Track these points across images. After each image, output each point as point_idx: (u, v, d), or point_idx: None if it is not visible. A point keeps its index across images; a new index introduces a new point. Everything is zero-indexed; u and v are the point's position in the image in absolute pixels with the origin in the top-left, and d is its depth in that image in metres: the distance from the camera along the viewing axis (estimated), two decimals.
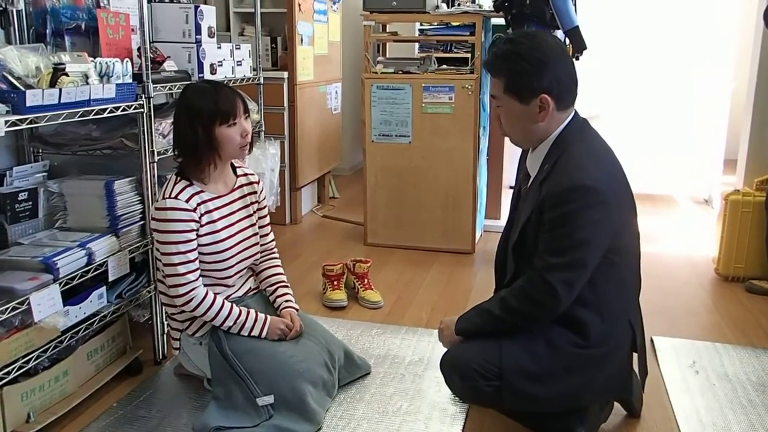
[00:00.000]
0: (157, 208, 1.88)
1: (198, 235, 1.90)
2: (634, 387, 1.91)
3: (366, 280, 2.89)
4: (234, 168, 2.08)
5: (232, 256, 1.99)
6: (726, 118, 4.52)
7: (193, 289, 1.89)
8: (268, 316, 1.99)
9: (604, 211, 1.62)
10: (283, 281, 2.17)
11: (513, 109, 1.70)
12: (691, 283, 3.13)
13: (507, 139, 3.87)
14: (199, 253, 1.92)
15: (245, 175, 2.11)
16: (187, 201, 1.88)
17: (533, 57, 1.64)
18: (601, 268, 1.65)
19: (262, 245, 2.15)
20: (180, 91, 2.27)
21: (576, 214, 1.60)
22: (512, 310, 1.70)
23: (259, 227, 2.14)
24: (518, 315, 1.70)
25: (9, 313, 1.65)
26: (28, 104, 1.65)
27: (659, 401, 2.08)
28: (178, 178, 1.93)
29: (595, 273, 1.65)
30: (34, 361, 1.78)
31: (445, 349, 1.88)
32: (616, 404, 1.95)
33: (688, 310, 2.83)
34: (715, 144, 4.57)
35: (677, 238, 3.82)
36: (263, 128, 3.05)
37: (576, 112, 1.75)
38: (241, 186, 2.08)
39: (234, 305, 1.95)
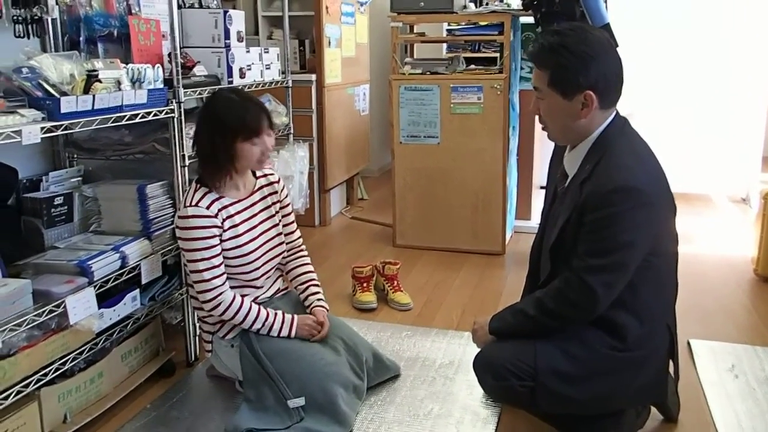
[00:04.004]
0: (179, 217, 1.91)
1: (221, 240, 1.92)
2: (670, 391, 1.87)
3: (395, 282, 2.88)
4: (253, 170, 2.09)
5: (257, 258, 2.00)
6: (764, 114, 4.39)
7: (220, 294, 1.90)
8: (295, 316, 2.00)
9: (648, 214, 1.58)
10: (314, 279, 2.18)
11: (555, 103, 1.66)
12: (729, 284, 3.06)
13: (537, 139, 3.87)
14: (225, 258, 1.93)
15: (265, 176, 2.12)
16: (207, 207, 1.90)
17: (581, 51, 1.59)
18: (640, 271, 1.62)
19: (288, 243, 2.16)
20: (208, 95, 2.31)
21: (619, 216, 1.56)
22: (548, 311, 1.67)
23: (284, 225, 2.15)
24: (554, 316, 1.67)
25: (46, 315, 1.68)
26: (62, 111, 1.68)
27: (697, 406, 2.03)
28: (198, 186, 1.95)
29: (634, 275, 1.61)
30: (70, 362, 1.81)
31: (478, 350, 1.86)
32: (653, 408, 1.91)
33: (726, 312, 2.76)
34: (753, 141, 4.44)
35: (714, 238, 3.72)
36: (292, 131, 3.07)
37: (617, 111, 1.71)
38: (261, 187, 2.09)
39: (262, 308, 1.96)
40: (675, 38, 4.41)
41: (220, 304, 1.90)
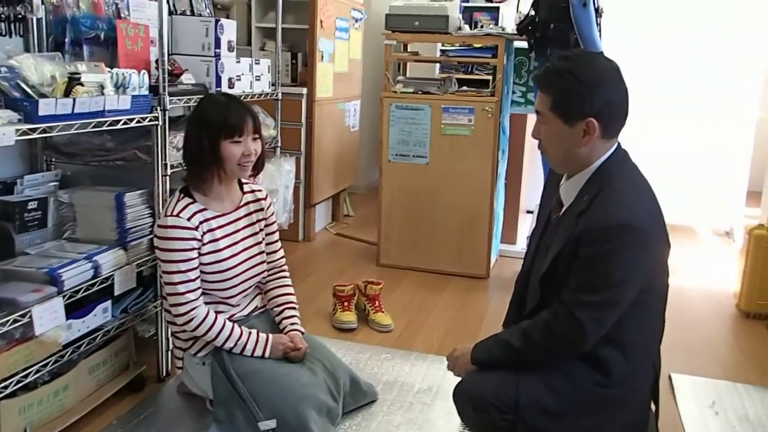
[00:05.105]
0: (159, 226, 1.86)
1: (200, 254, 1.87)
2: (650, 427, 1.83)
3: (377, 303, 2.83)
4: (241, 184, 2.05)
5: (236, 276, 1.95)
6: (750, 148, 4.42)
7: (193, 309, 1.85)
8: (270, 335, 1.95)
9: (644, 253, 1.55)
10: (291, 302, 2.12)
11: (556, 128, 1.62)
12: (712, 318, 3.04)
13: (526, 164, 3.86)
14: (202, 272, 1.88)
15: (252, 191, 2.08)
16: (188, 219, 1.85)
17: (587, 78, 1.56)
18: (630, 307, 1.58)
19: (270, 263, 2.11)
20: (195, 104, 2.27)
21: (615, 254, 1.53)
22: (534, 343, 1.63)
23: (267, 244, 2.10)
24: (540, 349, 1.63)
25: (10, 325, 1.61)
26: (40, 113, 1.63)
27: None
28: (182, 195, 1.90)
29: (624, 312, 1.58)
30: (34, 374, 1.74)
31: (457, 378, 1.81)
32: None
33: (708, 346, 2.74)
34: (738, 175, 4.47)
35: (697, 271, 3.73)
36: (279, 144, 3.03)
37: (619, 143, 1.68)
38: (247, 203, 2.04)
39: (236, 326, 1.91)
40: (663, 69, 4.43)
41: (192, 319, 1.84)
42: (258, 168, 1.98)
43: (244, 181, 2.06)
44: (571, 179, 1.68)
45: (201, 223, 1.88)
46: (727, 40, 4.31)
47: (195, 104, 1.97)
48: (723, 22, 4.28)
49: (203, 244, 1.88)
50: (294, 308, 2.10)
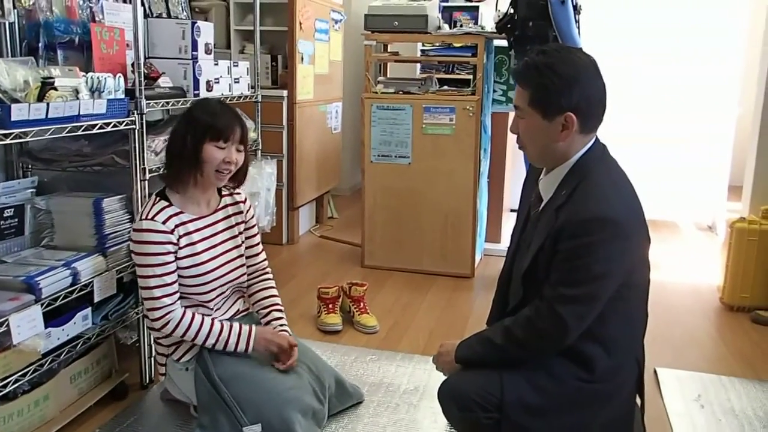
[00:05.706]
0: (134, 229, 1.84)
1: (177, 258, 1.85)
2: (636, 422, 1.83)
3: (362, 304, 2.82)
4: (219, 188, 2.03)
5: (214, 279, 1.92)
6: (731, 143, 4.47)
7: (169, 313, 1.82)
8: (253, 327, 1.92)
9: (623, 246, 1.54)
10: (277, 304, 2.10)
11: (535, 123, 1.61)
12: (695, 312, 3.06)
13: (508, 162, 3.86)
14: (180, 276, 1.86)
15: (230, 194, 2.06)
16: (164, 223, 1.83)
17: (565, 72, 1.55)
18: (611, 302, 1.58)
19: (252, 265, 2.09)
20: (174, 107, 2.25)
21: (594, 247, 1.52)
22: (516, 340, 1.62)
23: (248, 247, 2.08)
24: (522, 346, 1.62)
25: None
26: (13, 119, 1.60)
27: None
28: (157, 199, 1.88)
29: (605, 307, 1.58)
30: (13, 384, 1.71)
31: (443, 378, 1.81)
32: None
33: (693, 340, 2.75)
34: (720, 170, 4.51)
35: (681, 265, 3.75)
36: (260, 146, 3.01)
37: (597, 137, 1.68)
38: (225, 206, 2.02)
39: (215, 321, 1.88)
40: (644, 65, 4.47)
41: (169, 322, 1.82)
42: (239, 180, 1.98)
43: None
44: (550, 174, 1.68)
45: (177, 226, 1.85)
46: (706, 36, 4.35)
47: (187, 107, 1.98)
48: (702, 19, 4.32)
49: (180, 248, 1.86)
50: (280, 310, 2.09)
